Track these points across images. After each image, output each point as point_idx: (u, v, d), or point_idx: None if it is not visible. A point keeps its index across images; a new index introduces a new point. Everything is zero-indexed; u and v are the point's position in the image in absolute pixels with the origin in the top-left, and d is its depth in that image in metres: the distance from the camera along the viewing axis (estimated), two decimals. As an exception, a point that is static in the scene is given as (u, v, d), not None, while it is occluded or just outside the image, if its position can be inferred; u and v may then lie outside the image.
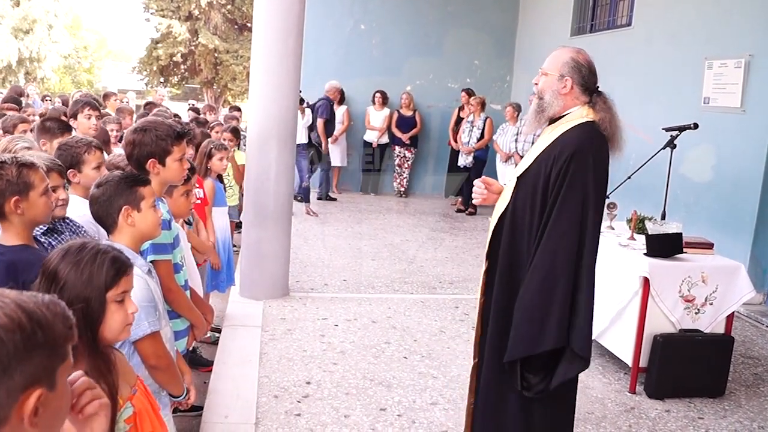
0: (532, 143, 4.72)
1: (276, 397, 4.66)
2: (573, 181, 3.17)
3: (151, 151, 3.37)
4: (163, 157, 3.40)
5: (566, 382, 3.26)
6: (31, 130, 6.01)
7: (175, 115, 9.09)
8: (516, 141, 11.30)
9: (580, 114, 3.34)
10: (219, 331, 5.93)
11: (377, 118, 13.47)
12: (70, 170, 3.70)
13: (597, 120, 3.30)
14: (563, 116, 3.39)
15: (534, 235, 3.26)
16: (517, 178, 3.42)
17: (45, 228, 3.16)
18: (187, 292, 3.57)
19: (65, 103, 7.92)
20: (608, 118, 3.31)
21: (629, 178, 6.32)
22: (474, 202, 3.73)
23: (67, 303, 1.38)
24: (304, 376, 5.02)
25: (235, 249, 6.47)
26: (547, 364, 3.23)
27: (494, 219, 3.49)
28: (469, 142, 12.03)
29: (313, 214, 11.09)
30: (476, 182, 3.67)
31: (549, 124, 3.46)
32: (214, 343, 5.77)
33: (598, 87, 3.41)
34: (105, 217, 2.88)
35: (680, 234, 5.12)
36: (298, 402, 4.60)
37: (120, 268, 2.14)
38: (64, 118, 6.23)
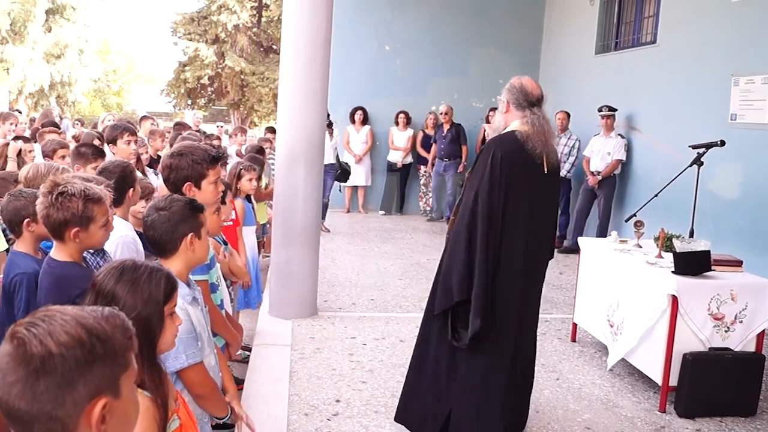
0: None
1: (306, 415, 4.70)
2: (476, 171, 4.09)
3: (187, 174, 3.47)
4: (199, 181, 3.49)
5: (490, 341, 4.01)
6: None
7: (207, 136, 9.22)
8: None
9: (513, 126, 4.15)
10: (249, 349, 5.99)
11: (401, 138, 13.54)
12: (130, 189, 3.85)
13: (518, 129, 4.09)
14: (506, 129, 4.20)
15: None
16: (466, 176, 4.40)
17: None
18: (223, 312, 3.63)
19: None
20: (528, 129, 4.07)
21: (656, 195, 6.34)
22: None
23: None
24: (334, 394, 5.05)
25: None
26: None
27: (453, 210, 4.40)
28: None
29: (325, 230, 11.10)
30: None
31: None
32: (245, 361, 5.82)
33: (534, 103, 4.15)
34: (166, 242, 2.86)
35: (708, 252, 5.10)
36: (328, 420, 4.64)
37: (173, 284, 2.25)
38: (97, 142, 6.36)
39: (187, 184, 3.48)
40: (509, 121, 4.21)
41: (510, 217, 4.00)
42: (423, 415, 4.33)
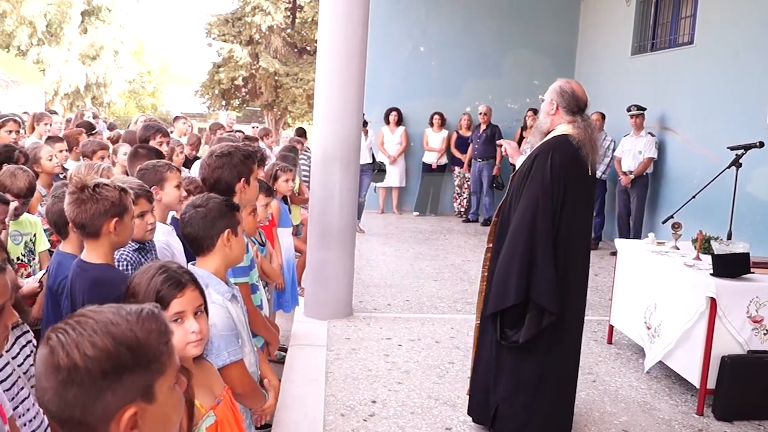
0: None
1: (342, 415, 4.73)
2: (534, 172, 4.14)
3: (240, 171, 3.54)
4: (249, 177, 3.56)
5: (539, 340, 4.11)
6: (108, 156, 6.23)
7: (246, 138, 9.30)
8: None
9: (562, 129, 4.27)
10: (285, 350, 6.03)
11: (435, 139, 13.55)
12: (153, 187, 3.87)
13: (573, 134, 4.19)
14: (552, 131, 4.32)
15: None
16: (511, 177, 4.47)
17: (136, 246, 3.32)
18: (263, 312, 3.67)
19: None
20: (580, 134, 4.19)
21: (694, 197, 6.28)
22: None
23: None
24: (370, 395, 5.08)
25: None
26: (521, 319, 4.10)
27: (495, 211, 4.53)
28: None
29: (359, 231, 11.10)
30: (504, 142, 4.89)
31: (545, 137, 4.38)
32: (281, 361, 5.86)
33: (583, 109, 4.33)
34: (202, 239, 2.88)
35: (747, 254, 5.06)
36: (365, 420, 4.66)
37: (168, 293, 2.23)
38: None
39: (242, 179, 3.54)
40: (555, 123, 4.34)
41: (566, 220, 4.13)
42: (480, 408, 4.51)
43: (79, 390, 1.27)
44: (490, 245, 4.51)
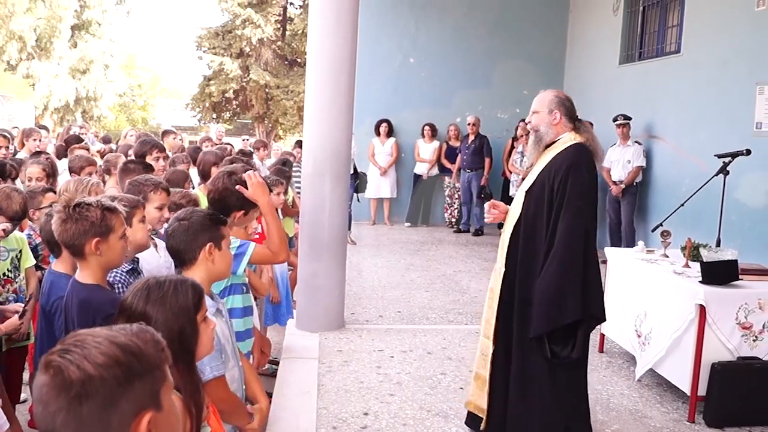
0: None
1: (335, 428, 4.72)
2: (573, 187, 4.02)
3: (245, 203, 3.56)
4: (249, 210, 3.58)
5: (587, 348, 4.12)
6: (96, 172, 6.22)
7: (241, 152, 9.29)
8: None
9: (569, 138, 4.24)
10: (277, 363, 6.02)
11: (427, 150, 13.59)
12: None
13: (583, 141, 4.21)
14: (556, 141, 4.28)
15: (545, 234, 4.08)
16: (525, 192, 4.27)
17: (129, 267, 3.30)
18: (254, 325, 3.68)
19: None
20: (591, 139, 4.27)
21: (682, 205, 6.31)
22: (486, 221, 4.68)
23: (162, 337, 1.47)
24: (362, 407, 5.07)
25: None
26: (568, 334, 4.02)
27: (508, 229, 4.31)
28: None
29: (351, 242, 11.09)
30: (486, 206, 4.59)
31: (545, 149, 4.33)
32: (273, 375, 5.86)
33: (578, 116, 4.36)
34: (184, 252, 2.91)
35: (736, 261, 5.09)
36: (357, 433, 4.66)
37: (200, 292, 2.29)
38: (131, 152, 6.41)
39: (241, 211, 3.58)
40: (559, 132, 4.30)
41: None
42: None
43: (95, 402, 1.27)
44: (502, 266, 4.33)
